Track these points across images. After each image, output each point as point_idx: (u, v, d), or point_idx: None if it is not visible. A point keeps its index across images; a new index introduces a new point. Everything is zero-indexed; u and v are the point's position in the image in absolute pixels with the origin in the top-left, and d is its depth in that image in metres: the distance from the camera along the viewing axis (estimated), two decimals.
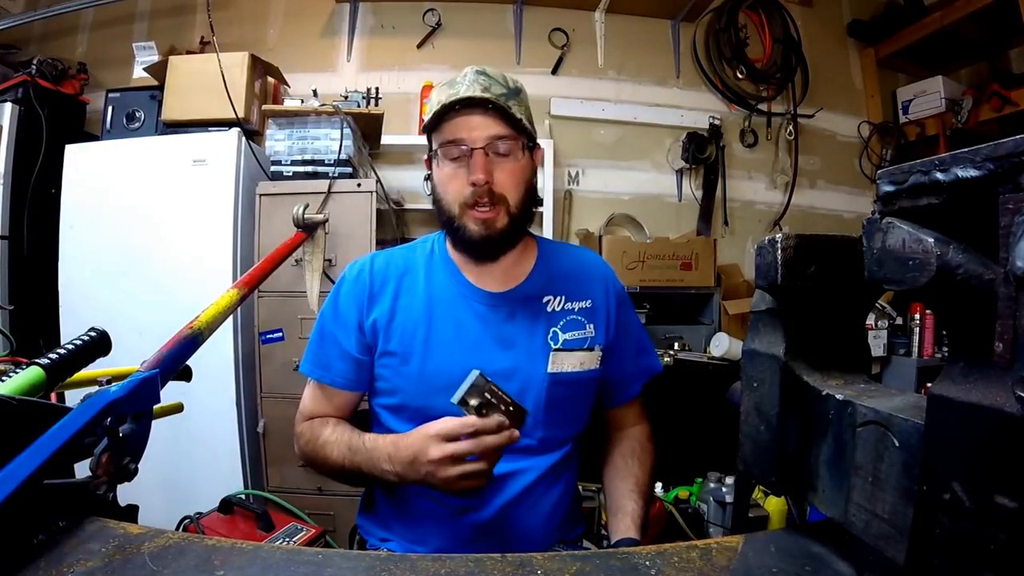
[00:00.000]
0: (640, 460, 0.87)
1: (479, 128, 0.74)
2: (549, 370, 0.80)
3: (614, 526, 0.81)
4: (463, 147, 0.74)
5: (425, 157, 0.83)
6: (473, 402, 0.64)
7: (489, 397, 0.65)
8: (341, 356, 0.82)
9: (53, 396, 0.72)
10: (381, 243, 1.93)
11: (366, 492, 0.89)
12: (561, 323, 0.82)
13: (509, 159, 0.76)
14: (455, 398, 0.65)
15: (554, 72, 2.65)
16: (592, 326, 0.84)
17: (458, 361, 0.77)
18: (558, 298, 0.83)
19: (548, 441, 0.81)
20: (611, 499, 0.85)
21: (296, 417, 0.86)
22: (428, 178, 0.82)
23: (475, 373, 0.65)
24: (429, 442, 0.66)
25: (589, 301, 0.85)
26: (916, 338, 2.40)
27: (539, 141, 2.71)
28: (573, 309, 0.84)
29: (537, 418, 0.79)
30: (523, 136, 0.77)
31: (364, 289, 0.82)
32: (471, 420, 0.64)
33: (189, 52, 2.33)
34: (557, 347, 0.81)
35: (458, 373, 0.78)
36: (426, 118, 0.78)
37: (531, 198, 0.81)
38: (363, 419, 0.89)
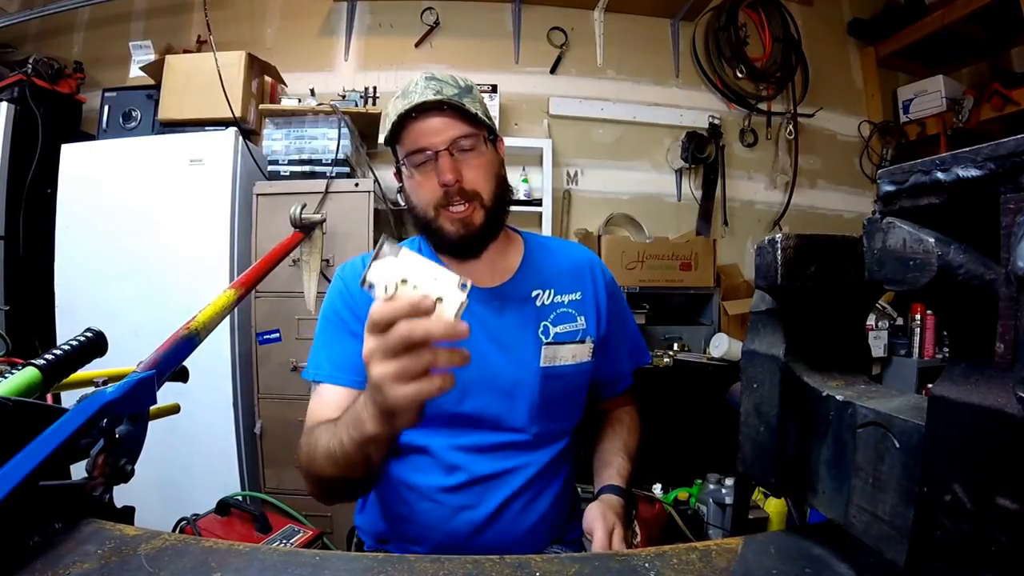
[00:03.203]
0: (628, 428, 0.90)
1: (439, 131, 0.74)
2: (541, 364, 0.80)
3: (599, 479, 0.83)
4: (427, 153, 0.74)
5: (393, 171, 0.83)
6: (376, 279, 0.47)
7: (404, 272, 0.48)
8: (353, 351, 0.78)
9: (49, 397, 0.72)
10: None
11: None
12: (551, 316, 0.82)
13: (474, 155, 0.76)
14: (360, 279, 0.49)
15: (553, 71, 2.64)
16: (583, 318, 0.84)
17: None
18: (547, 292, 0.84)
19: (544, 436, 0.81)
20: (598, 460, 0.87)
21: (301, 436, 0.74)
22: (400, 190, 0.82)
23: (381, 239, 0.49)
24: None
25: (579, 293, 0.85)
26: (917, 339, 2.40)
27: (538, 141, 2.70)
28: (563, 302, 0.84)
29: (532, 413, 0.79)
30: (483, 130, 0.77)
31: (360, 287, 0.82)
32: (374, 307, 0.48)
33: (186, 51, 2.33)
34: (548, 341, 0.81)
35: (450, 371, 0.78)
36: (383, 132, 0.78)
37: (503, 190, 0.81)
38: None
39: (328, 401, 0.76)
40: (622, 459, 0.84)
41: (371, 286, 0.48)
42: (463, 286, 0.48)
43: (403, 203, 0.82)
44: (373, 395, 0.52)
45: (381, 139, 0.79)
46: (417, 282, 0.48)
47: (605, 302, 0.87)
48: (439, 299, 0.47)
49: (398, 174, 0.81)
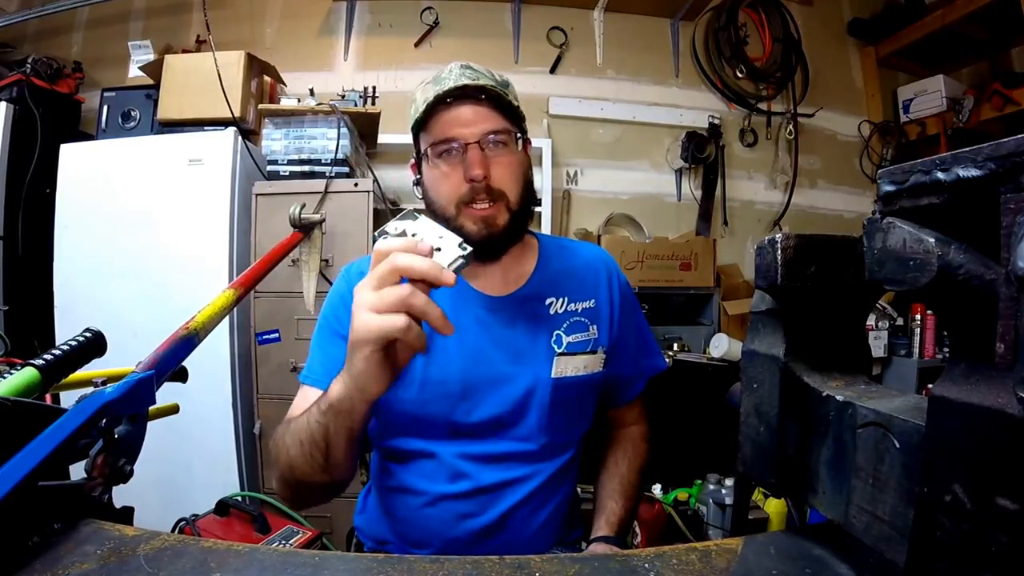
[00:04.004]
0: (630, 460, 0.87)
1: (471, 122, 0.70)
2: (553, 375, 0.77)
3: (593, 525, 0.81)
4: (455, 144, 0.70)
5: (411, 162, 0.79)
6: (393, 229, 0.53)
7: (416, 227, 0.53)
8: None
9: (48, 397, 0.72)
10: None
11: (364, 494, 0.88)
12: (564, 325, 0.79)
13: (505, 152, 0.72)
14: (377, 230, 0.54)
15: (552, 71, 2.64)
16: (595, 327, 0.81)
17: (459, 368, 0.75)
18: (561, 299, 0.80)
19: (552, 446, 0.79)
20: (596, 499, 0.85)
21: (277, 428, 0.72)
22: (417, 183, 0.78)
23: (410, 207, 0.55)
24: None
25: (592, 301, 0.82)
26: (917, 339, 2.40)
27: (537, 141, 2.71)
28: (576, 310, 0.81)
29: (542, 424, 0.77)
30: (516, 128, 0.74)
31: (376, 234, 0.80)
32: (377, 244, 0.52)
33: (185, 51, 2.32)
34: (561, 351, 0.78)
35: (459, 381, 0.74)
36: (413, 117, 0.74)
37: (530, 193, 0.77)
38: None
39: (310, 402, 0.73)
40: (615, 502, 0.82)
41: (384, 234, 0.53)
42: (463, 247, 0.52)
43: (420, 197, 0.78)
44: (350, 334, 0.52)
45: (410, 124, 0.75)
46: (424, 236, 0.53)
47: (619, 309, 0.84)
48: (437, 249, 0.51)
49: (416, 165, 0.77)
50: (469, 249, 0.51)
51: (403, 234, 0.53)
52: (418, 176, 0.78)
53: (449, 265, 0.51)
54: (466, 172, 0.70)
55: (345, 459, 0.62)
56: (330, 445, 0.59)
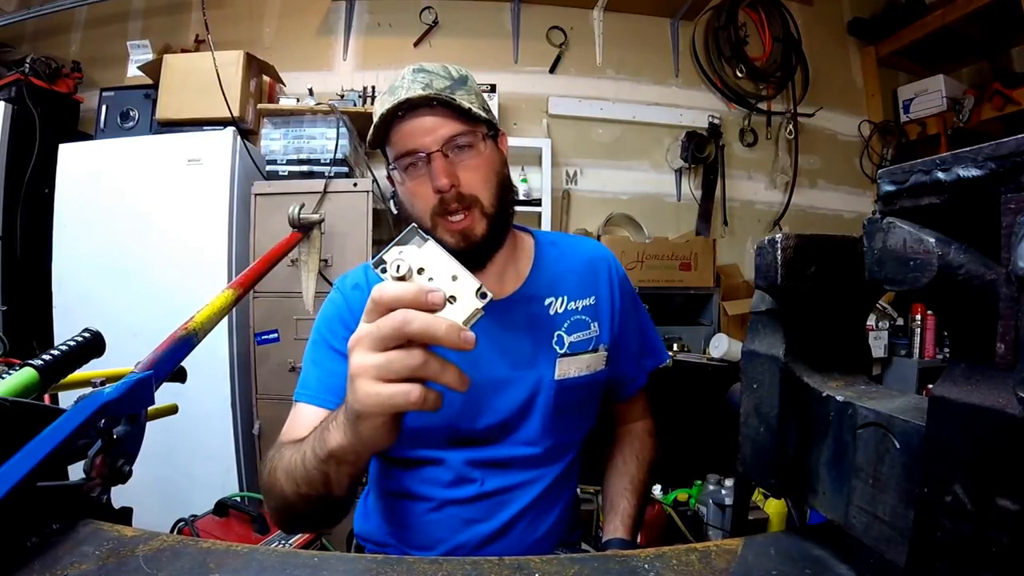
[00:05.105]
0: (638, 457, 0.86)
1: (429, 130, 0.67)
2: (556, 377, 0.75)
3: (606, 525, 0.80)
4: (418, 155, 0.68)
5: (386, 175, 0.77)
6: (395, 264, 0.42)
7: (423, 261, 0.43)
8: (345, 374, 0.74)
9: (47, 398, 0.72)
10: (377, 243, 1.93)
11: (363, 497, 0.87)
12: (565, 325, 0.78)
13: (471, 154, 0.69)
14: (374, 259, 0.44)
15: (552, 71, 2.64)
16: (596, 324, 0.80)
17: None
18: (560, 298, 0.79)
19: (556, 449, 0.78)
20: (606, 498, 0.84)
21: (269, 451, 0.67)
22: (394, 196, 0.77)
23: (411, 226, 0.45)
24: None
25: (592, 298, 0.80)
26: (917, 339, 2.40)
27: (537, 141, 2.70)
28: (577, 308, 0.79)
29: (546, 427, 0.75)
30: (480, 126, 0.70)
31: (363, 303, 0.77)
32: (378, 286, 0.42)
33: (184, 51, 2.32)
34: (563, 352, 0.77)
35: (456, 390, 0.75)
36: (369, 133, 0.72)
37: (506, 191, 0.74)
38: None
39: (306, 421, 0.68)
40: (627, 501, 0.81)
41: (384, 268, 0.43)
42: (482, 296, 0.43)
43: (397, 211, 0.78)
44: (347, 394, 0.45)
45: (368, 142, 0.73)
46: (434, 275, 0.43)
47: (619, 304, 0.83)
48: (452, 298, 0.42)
49: (391, 178, 0.76)
50: (489, 296, 0.43)
51: (408, 272, 0.42)
52: (394, 189, 0.77)
53: (467, 321, 0.42)
54: (432, 183, 0.67)
55: (347, 494, 0.59)
56: (331, 490, 0.55)
